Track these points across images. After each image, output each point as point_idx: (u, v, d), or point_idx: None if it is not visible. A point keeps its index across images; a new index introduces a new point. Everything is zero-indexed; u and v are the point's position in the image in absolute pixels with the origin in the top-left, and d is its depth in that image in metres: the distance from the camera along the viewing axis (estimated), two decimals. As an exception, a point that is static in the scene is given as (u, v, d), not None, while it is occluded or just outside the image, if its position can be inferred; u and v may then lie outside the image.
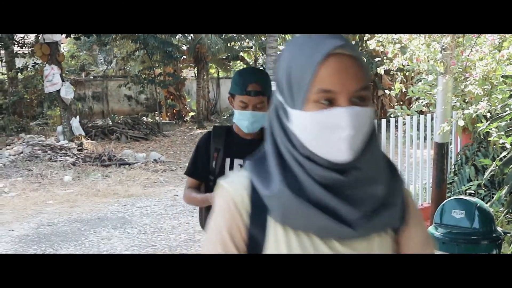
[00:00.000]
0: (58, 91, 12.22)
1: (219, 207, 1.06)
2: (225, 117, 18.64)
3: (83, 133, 12.59)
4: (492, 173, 3.78)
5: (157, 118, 16.54)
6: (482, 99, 4.90)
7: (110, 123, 14.77)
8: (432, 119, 5.67)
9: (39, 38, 12.60)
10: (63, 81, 12.36)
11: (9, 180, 8.55)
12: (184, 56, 17.75)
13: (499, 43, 5.18)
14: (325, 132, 0.95)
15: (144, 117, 17.00)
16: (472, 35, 4.72)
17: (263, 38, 16.84)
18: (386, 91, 12.23)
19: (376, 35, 5.69)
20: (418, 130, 5.75)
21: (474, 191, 5.03)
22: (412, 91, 6.35)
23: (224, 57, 19.11)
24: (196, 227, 5.60)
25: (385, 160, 1.05)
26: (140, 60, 17.18)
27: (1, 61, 15.88)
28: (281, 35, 13.94)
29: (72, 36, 14.03)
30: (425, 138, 5.84)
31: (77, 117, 13.06)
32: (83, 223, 6.24)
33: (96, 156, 10.18)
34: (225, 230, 1.02)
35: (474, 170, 5.34)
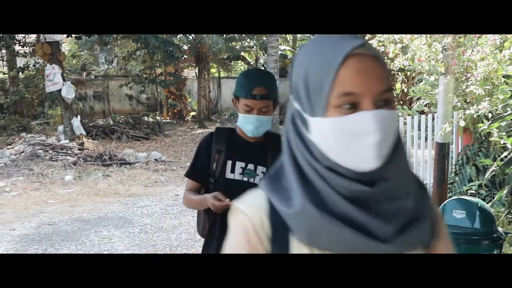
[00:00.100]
0: (59, 90, 12.24)
1: (235, 236, 0.96)
2: (226, 117, 18.65)
3: (84, 133, 12.60)
4: (493, 173, 3.78)
5: (158, 117, 16.56)
6: (483, 99, 4.90)
7: (111, 123, 14.79)
8: (433, 119, 5.67)
9: (40, 37, 12.61)
10: (64, 80, 12.38)
11: (10, 180, 8.56)
12: (185, 56, 17.75)
13: (501, 43, 5.19)
14: (349, 139, 0.87)
15: (145, 117, 17.01)
16: (474, 35, 4.72)
17: (264, 38, 16.85)
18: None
19: (377, 35, 5.69)
20: (419, 130, 5.75)
21: (475, 191, 5.02)
22: (413, 91, 6.36)
23: (225, 56, 19.12)
24: (197, 227, 5.59)
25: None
26: (141, 60, 17.20)
27: (2, 61, 15.90)
28: (282, 35, 13.94)
29: (73, 35, 14.04)
30: (426, 138, 5.84)
31: (78, 116, 13.07)
32: (84, 222, 6.25)
33: (97, 156, 10.19)
34: None
35: (475, 170, 5.34)
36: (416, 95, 6.42)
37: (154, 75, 15.90)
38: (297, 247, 0.91)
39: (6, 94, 15.56)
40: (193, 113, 18.45)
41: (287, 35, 18.61)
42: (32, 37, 14.79)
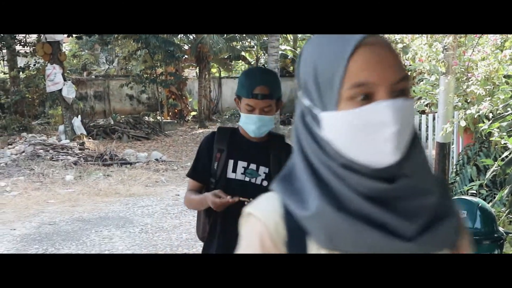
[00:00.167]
0: (60, 90, 12.25)
1: (248, 242, 0.91)
2: (227, 117, 18.67)
3: (85, 133, 12.61)
4: (494, 173, 3.78)
5: (158, 117, 16.56)
6: (484, 99, 4.90)
7: (112, 123, 14.81)
8: (433, 119, 5.68)
9: (41, 37, 12.62)
10: (65, 80, 12.38)
11: (11, 179, 8.57)
12: (186, 56, 17.76)
13: (501, 43, 5.19)
14: (365, 132, 0.81)
15: (146, 117, 17.03)
16: (474, 35, 4.72)
17: (265, 38, 16.86)
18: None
19: (378, 35, 5.69)
20: (419, 130, 5.75)
21: (476, 191, 5.02)
22: (414, 91, 6.36)
23: (225, 56, 19.14)
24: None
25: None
26: (141, 60, 17.21)
27: (3, 60, 15.91)
28: (283, 35, 13.94)
29: (74, 35, 14.05)
30: (426, 138, 5.85)
31: (79, 116, 13.08)
32: (85, 222, 6.25)
33: (98, 156, 10.20)
34: None
35: (476, 170, 5.33)
36: (417, 95, 6.42)
37: (154, 75, 15.90)
38: (316, 251, 0.86)
39: (7, 94, 15.56)
40: (193, 113, 18.46)
41: (287, 35, 18.62)
42: (33, 37, 14.80)
